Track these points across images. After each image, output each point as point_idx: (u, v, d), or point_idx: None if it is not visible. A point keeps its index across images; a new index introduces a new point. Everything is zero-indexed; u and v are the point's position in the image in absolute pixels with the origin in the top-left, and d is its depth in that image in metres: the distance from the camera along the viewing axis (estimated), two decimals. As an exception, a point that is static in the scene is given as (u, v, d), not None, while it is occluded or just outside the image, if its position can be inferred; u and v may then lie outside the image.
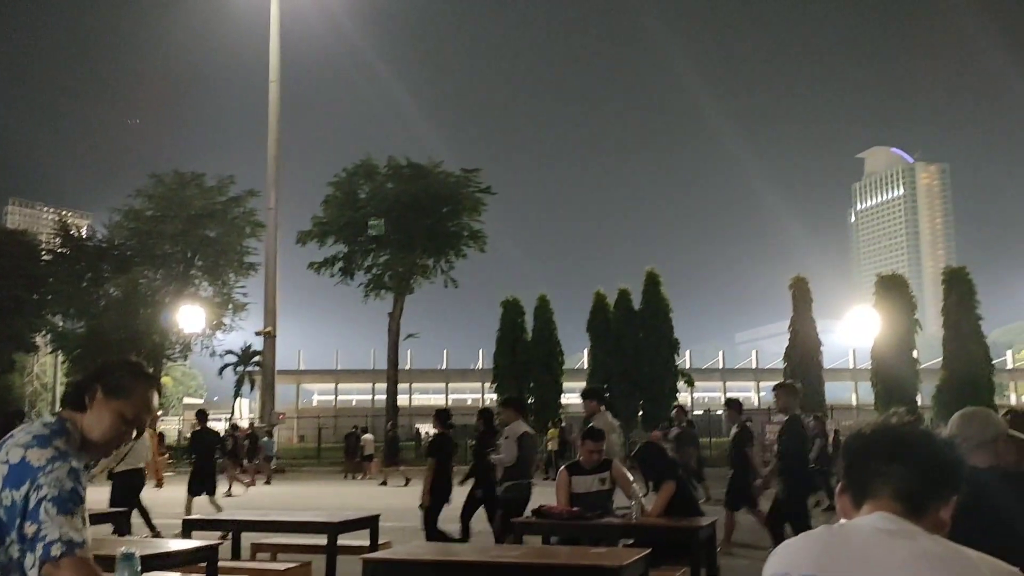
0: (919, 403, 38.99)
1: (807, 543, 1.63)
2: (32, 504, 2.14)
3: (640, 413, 39.15)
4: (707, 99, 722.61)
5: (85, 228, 62.89)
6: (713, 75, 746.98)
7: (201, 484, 14.00)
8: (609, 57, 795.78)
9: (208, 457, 14.70)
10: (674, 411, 20.82)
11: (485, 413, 11.34)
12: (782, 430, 9.02)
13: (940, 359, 39.01)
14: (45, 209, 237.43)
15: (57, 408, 2.50)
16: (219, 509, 13.81)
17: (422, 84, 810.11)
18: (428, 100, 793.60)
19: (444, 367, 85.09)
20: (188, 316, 44.74)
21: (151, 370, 2.54)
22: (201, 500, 13.83)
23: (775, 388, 9.61)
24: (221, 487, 16.74)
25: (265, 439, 29.67)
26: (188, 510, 13.05)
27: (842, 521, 1.66)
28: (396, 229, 42.54)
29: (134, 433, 2.46)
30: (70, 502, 2.17)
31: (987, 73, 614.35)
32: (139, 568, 3.46)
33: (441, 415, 10.87)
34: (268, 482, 27.09)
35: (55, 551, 2.10)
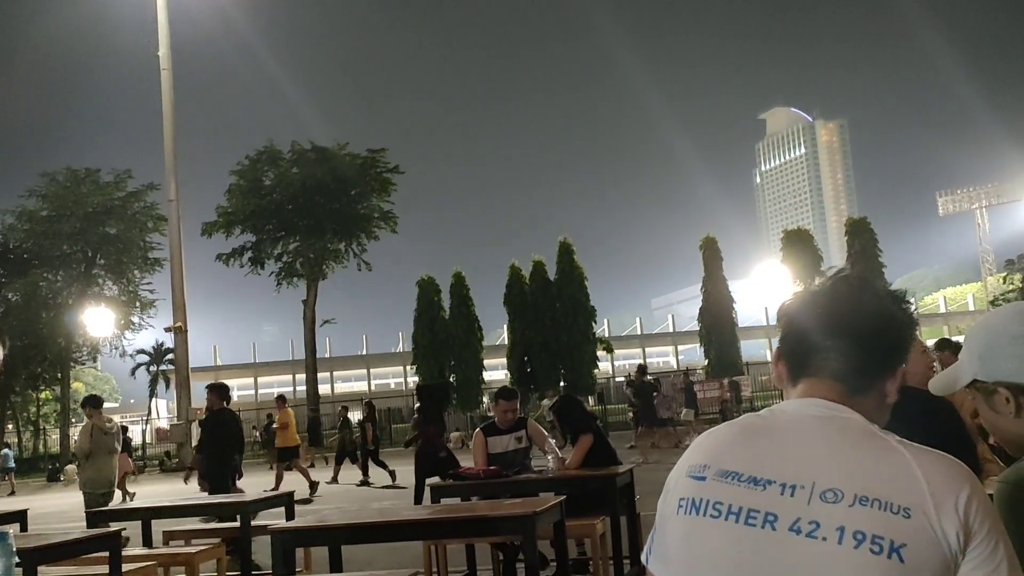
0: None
1: (731, 433, 1.43)
2: None
3: (561, 383, 39.44)
4: (610, 65, 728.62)
5: (-23, 234, 60.07)
6: (619, 36, 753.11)
7: None
8: (507, 25, 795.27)
9: None
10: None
11: None
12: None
13: (848, 309, 40.10)
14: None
15: None
16: None
17: (322, 68, 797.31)
18: (329, 84, 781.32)
19: (364, 352, 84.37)
20: (94, 317, 43.23)
21: None
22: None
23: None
24: None
25: None
26: None
27: (770, 409, 1.46)
28: (304, 214, 41.82)
29: None
30: None
31: (879, 27, 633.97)
32: (13, 549, 3.27)
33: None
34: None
35: None
